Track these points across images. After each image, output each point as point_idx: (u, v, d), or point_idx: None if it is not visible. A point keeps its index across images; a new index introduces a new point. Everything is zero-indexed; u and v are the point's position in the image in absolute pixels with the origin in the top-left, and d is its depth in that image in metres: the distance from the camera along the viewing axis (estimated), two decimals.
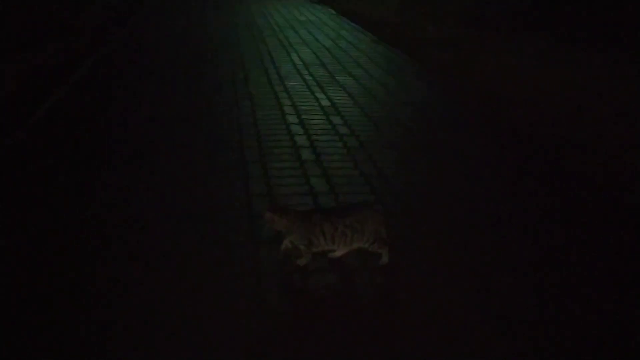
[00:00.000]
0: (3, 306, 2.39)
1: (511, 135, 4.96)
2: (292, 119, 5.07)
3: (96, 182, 3.61)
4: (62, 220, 3.08)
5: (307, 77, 6.68)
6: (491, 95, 6.07)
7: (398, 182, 3.84)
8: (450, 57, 7.90)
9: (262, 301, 2.47)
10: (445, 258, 2.87)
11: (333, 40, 9.45)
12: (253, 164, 3.97)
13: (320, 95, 5.93)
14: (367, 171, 3.96)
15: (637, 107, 5.72)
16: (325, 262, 2.73)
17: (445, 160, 4.26)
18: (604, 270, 2.84)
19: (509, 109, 5.59)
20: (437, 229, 3.17)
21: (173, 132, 4.58)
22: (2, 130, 4.40)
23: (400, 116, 5.43)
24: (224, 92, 5.84)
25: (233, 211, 3.26)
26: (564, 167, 4.19)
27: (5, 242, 2.85)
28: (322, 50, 8.45)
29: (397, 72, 7.53)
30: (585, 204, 3.59)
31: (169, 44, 8.41)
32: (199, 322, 2.31)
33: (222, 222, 3.14)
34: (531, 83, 6.48)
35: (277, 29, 10.34)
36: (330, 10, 13.96)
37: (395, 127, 5.10)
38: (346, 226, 2.59)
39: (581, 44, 8.29)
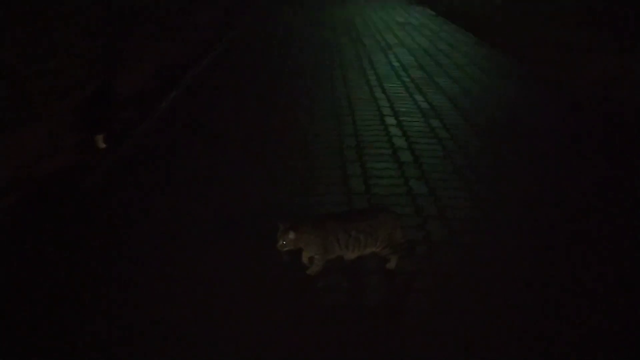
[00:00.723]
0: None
1: (624, 142, 4.59)
2: (390, 120, 5.12)
3: (214, 179, 3.91)
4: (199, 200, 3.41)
5: (405, 79, 6.68)
6: (608, 101, 5.65)
7: (499, 189, 3.74)
8: (561, 59, 7.46)
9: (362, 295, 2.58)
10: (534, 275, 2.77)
11: (432, 42, 9.32)
12: (352, 163, 4.08)
13: (418, 97, 5.91)
14: (467, 176, 3.90)
15: None
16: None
17: (552, 170, 4.06)
18: None
19: (626, 114, 5.17)
20: (537, 244, 3.06)
21: (272, 131, 4.81)
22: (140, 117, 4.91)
23: (502, 121, 5.26)
24: (322, 94, 6.03)
25: (334, 208, 3.38)
26: None
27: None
28: (421, 52, 8.37)
29: (500, 74, 7.26)
30: None
31: (271, 46, 8.82)
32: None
33: (325, 202, 3.26)
34: None
35: (375, 31, 10.40)
36: (429, 10, 13.75)
37: (496, 132, 4.95)
38: (359, 231, 2.58)
39: None
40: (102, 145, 4.07)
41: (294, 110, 5.37)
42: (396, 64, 7.55)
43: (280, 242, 2.49)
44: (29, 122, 3.59)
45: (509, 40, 8.81)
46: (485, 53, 8.45)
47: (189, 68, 6.87)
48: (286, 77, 6.73)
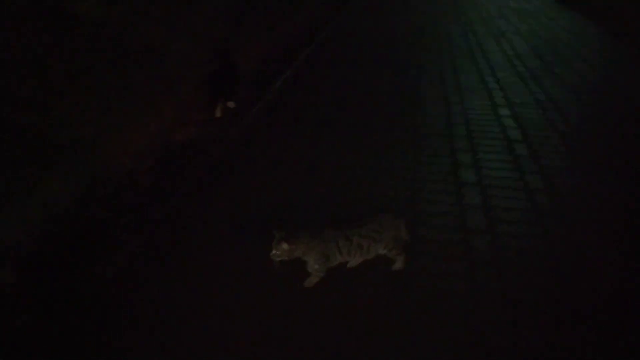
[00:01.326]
0: None
1: None
2: (503, 111, 4.87)
3: (320, 163, 4.00)
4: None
5: (520, 69, 6.30)
6: None
7: (631, 193, 3.43)
8: None
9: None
10: None
11: (549, 29, 8.68)
12: (462, 152, 3.95)
13: (535, 88, 5.55)
14: (591, 176, 3.62)
15: None
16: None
17: None
18: None
19: None
20: None
21: (379, 119, 4.78)
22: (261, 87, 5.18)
23: (631, 117, 4.78)
24: (431, 82, 5.88)
25: (443, 197, 3.31)
26: None
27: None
28: (537, 41, 7.84)
29: (630, 69, 6.59)
30: None
31: (377, 32, 8.74)
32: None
33: (431, 211, 3.22)
34: None
35: (488, 18, 9.90)
36: None
37: (625, 132, 4.52)
38: (362, 237, 2.48)
39: None
40: (233, 105, 4.55)
41: (400, 98, 5.31)
42: (510, 52, 7.14)
43: (274, 252, 2.39)
44: (165, 96, 3.92)
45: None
46: (612, 44, 7.70)
47: (299, 51, 7.04)
48: (393, 65, 6.65)
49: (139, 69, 3.67)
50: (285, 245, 2.36)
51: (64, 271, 2.60)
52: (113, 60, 3.39)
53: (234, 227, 2.99)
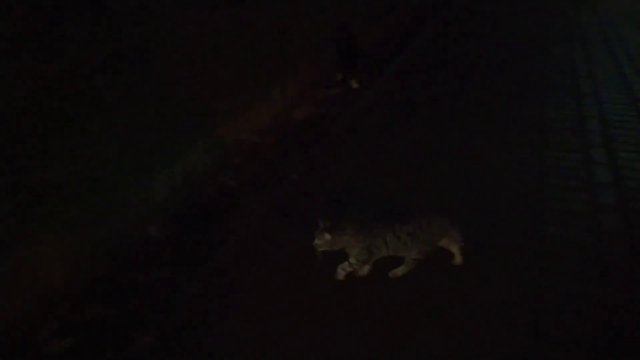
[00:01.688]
0: None
1: None
2: None
3: (437, 151, 3.93)
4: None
5: None
6: None
7: None
8: None
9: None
10: None
11: None
12: (596, 148, 3.65)
13: None
14: None
15: None
16: None
17: None
18: None
19: None
20: None
21: (502, 108, 4.56)
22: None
23: None
24: (558, 69, 5.46)
25: (571, 195, 3.11)
26: None
27: None
28: None
29: None
30: None
31: (495, 16, 8.27)
32: None
33: (562, 188, 3.09)
34: None
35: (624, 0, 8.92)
36: None
37: None
38: (408, 234, 2.40)
39: None
40: (356, 85, 4.62)
41: (525, 86, 5.00)
42: None
43: (316, 241, 2.34)
44: (289, 75, 4.08)
45: None
46: None
47: (411, 38, 6.90)
48: (516, 51, 6.27)
49: (268, 48, 3.85)
50: (327, 236, 2.32)
51: (199, 231, 2.85)
52: (250, 39, 3.59)
53: (340, 206, 3.07)
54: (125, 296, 2.40)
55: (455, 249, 2.54)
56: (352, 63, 4.70)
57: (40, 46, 2.19)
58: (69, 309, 2.31)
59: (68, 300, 2.34)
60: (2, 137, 2.08)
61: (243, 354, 2.12)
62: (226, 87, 3.42)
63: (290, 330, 2.22)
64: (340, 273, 2.46)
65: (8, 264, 2.09)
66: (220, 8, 3.34)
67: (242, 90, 3.62)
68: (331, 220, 2.35)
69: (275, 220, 2.96)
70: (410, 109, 4.49)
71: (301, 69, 4.22)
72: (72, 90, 2.44)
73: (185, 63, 3.04)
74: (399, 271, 2.49)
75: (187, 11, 3.01)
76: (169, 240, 2.79)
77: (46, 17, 2.22)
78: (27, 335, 2.19)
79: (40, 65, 2.17)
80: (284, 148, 3.72)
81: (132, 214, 2.72)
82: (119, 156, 2.59)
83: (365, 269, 2.51)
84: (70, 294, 2.37)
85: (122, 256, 2.61)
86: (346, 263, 2.44)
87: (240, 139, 3.67)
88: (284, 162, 3.54)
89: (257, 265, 2.63)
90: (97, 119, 2.56)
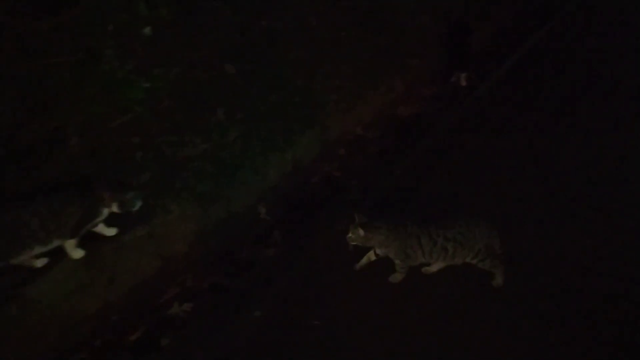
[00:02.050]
0: None
1: None
2: None
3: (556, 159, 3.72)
4: None
5: None
6: None
7: None
8: None
9: None
10: None
11: None
12: None
13: None
14: None
15: None
16: None
17: None
18: None
19: None
20: None
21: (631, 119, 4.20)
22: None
23: None
24: None
25: None
26: None
27: None
28: None
29: None
30: None
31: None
32: None
33: None
34: None
35: None
36: None
37: None
38: (447, 240, 2.30)
39: None
40: (464, 83, 4.46)
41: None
42: None
43: (350, 235, 2.32)
44: (398, 70, 4.06)
45: None
46: None
47: (527, 35, 6.53)
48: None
49: (382, 41, 3.85)
50: (361, 231, 2.30)
51: (305, 216, 2.95)
52: (366, 32, 3.62)
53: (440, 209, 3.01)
54: (239, 271, 2.56)
55: (493, 268, 2.39)
56: (463, 60, 4.55)
57: (187, 34, 2.38)
58: (189, 277, 2.51)
59: (189, 269, 2.54)
60: (152, 112, 2.29)
61: (344, 338, 2.18)
62: (339, 78, 3.48)
63: (386, 317, 2.26)
64: (396, 277, 2.44)
65: (145, 229, 2.31)
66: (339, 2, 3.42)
67: (352, 82, 3.66)
68: (368, 216, 2.35)
69: (376, 213, 2.98)
70: (520, 112, 4.27)
71: (411, 64, 4.18)
72: (205, 75, 2.63)
73: (306, 54, 3.15)
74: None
75: (311, 2, 3.11)
76: (278, 222, 2.92)
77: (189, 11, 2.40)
78: (152, 297, 2.41)
79: (187, 52, 2.36)
80: (388, 143, 3.73)
81: (247, 195, 2.88)
82: (241, 139, 2.75)
83: (398, 276, 2.45)
84: (190, 263, 2.57)
85: (236, 233, 2.77)
86: (397, 273, 2.43)
87: (346, 131, 3.72)
88: (387, 157, 3.54)
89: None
90: (225, 103, 2.74)
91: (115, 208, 2.04)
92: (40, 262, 1.98)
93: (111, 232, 2.19)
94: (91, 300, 2.16)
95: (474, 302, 2.38)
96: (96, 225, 2.07)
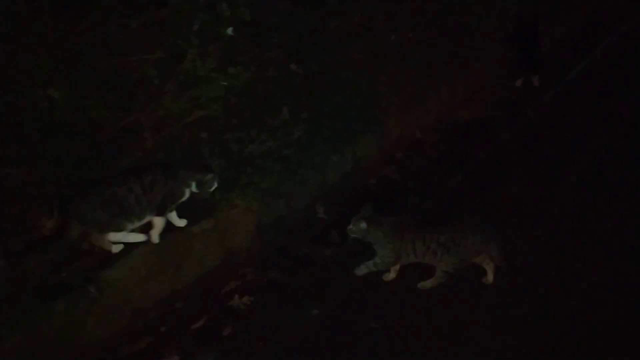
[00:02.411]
0: None
1: None
2: None
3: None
4: None
5: None
6: None
7: None
8: None
9: None
10: None
11: None
12: None
13: None
14: None
15: None
16: None
17: None
18: None
19: None
20: None
21: None
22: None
23: None
24: None
25: None
26: None
27: None
28: None
29: None
30: None
31: None
32: None
33: None
34: None
35: None
36: None
37: None
38: (439, 244, 2.34)
39: None
40: (536, 83, 4.37)
41: None
42: None
43: (350, 227, 2.35)
44: (461, 72, 3.99)
45: None
46: None
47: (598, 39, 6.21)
48: None
49: (446, 44, 3.78)
50: (363, 225, 2.33)
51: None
52: (430, 34, 3.57)
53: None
54: (297, 268, 2.60)
55: (489, 268, 2.44)
56: (532, 63, 4.40)
57: (262, 34, 2.44)
58: (249, 271, 2.57)
59: (249, 262, 2.61)
60: (222, 109, 2.36)
61: (402, 343, 2.18)
62: (401, 80, 3.46)
63: (448, 324, 2.23)
64: (362, 269, 2.45)
65: (211, 222, 2.38)
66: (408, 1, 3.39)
67: (414, 85, 3.63)
68: (373, 211, 2.38)
69: (437, 218, 2.95)
70: (590, 123, 4.08)
71: (475, 67, 4.09)
72: (274, 75, 2.68)
73: (370, 55, 3.15)
74: (428, 283, 2.43)
75: (380, 3, 3.10)
76: (335, 222, 2.94)
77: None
78: (214, 287, 2.49)
79: (260, 52, 2.43)
80: (447, 148, 3.67)
81: (306, 193, 2.92)
82: (305, 138, 2.79)
83: (391, 275, 2.48)
84: (251, 257, 2.63)
85: (295, 231, 2.81)
86: (371, 262, 2.44)
87: (405, 134, 3.69)
88: (447, 162, 3.49)
89: None
90: (291, 102, 2.78)
91: (194, 188, 2.18)
92: (116, 248, 2.09)
93: (181, 223, 2.28)
94: (159, 287, 2.25)
95: (547, 306, 2.34)
96: (179, 204, 2.22)
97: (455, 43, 3.81)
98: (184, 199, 2.23)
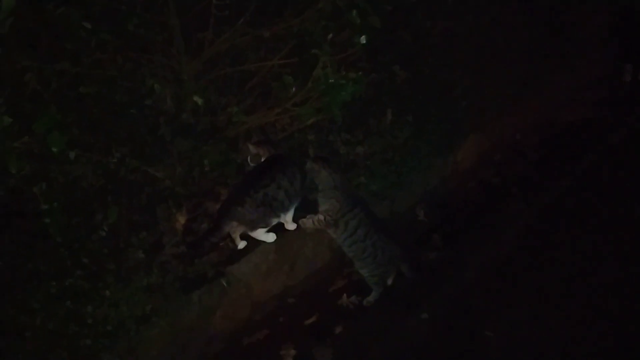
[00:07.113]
0: None
1: None
2: None
3: None
4: None
5: None
6: None
7: None
8: None
9: None
10: None
11: None
12: None
13: None
14: None
15: None
16: None
17: None
18: None
19: None
20: None
21: None
22: None
23: None
24: None
25: None
26: None
27: None
28: None
29: None
30: None
31: None
32: None
33: None
34: None
35: None
36: None
37: None
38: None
39: None
40: (628, 78, 4.14)
41: None
42: None
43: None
44: (561, 72, 3.82)
45: None
46: None
47: None
48: None
49: (545, 42, 3.63)
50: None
51: (464, 223, 2.92)
52: (527, 33, 3.45)
53: None
54: (401, 271, 2.61)
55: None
56: (631, 43, 4.08)
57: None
58: (354, 271, 2.61)
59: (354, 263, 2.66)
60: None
61: (522, 356, 2.13)
62: (504, 81, 3.37)
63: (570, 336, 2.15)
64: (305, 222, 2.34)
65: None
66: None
67: (515, 85, 3.52)
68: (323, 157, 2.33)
69: (546, 226, 2.85)
70: None
71: (577, 65, 3.89)
72: (381, 77, 2.71)
73: (474, 56, 3.08)
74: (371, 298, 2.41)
75: (488, 3, 3.03)
76: (436, 226, 2.92)
77: None
78: (322, 286, 2.56)
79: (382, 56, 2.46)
80: (549, 151, 3.53)
81: (409, 196, 2.92)
82: (411, 141, 2.79)
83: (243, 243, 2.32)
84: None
85: (398, 234, 2.82)
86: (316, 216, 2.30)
87: (504, 136, 3.59)
88: (549, 167, 3.36)
89: (531, 268, 2.57)
90: (396, 105, 2.79)
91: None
92: (241, 245, 2.21)
93: (292, 226, 2.37)
94: (276, 283, 2.36)
95: None
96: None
97: (561, 42, 3.64)
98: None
